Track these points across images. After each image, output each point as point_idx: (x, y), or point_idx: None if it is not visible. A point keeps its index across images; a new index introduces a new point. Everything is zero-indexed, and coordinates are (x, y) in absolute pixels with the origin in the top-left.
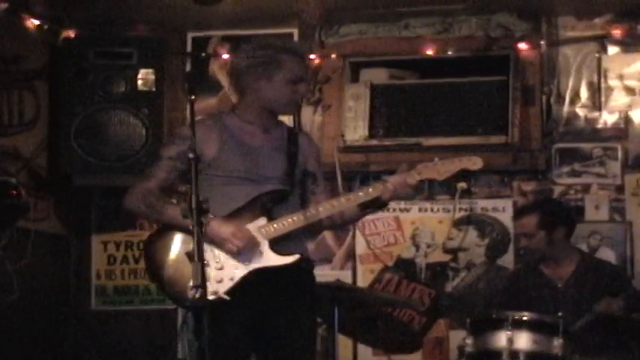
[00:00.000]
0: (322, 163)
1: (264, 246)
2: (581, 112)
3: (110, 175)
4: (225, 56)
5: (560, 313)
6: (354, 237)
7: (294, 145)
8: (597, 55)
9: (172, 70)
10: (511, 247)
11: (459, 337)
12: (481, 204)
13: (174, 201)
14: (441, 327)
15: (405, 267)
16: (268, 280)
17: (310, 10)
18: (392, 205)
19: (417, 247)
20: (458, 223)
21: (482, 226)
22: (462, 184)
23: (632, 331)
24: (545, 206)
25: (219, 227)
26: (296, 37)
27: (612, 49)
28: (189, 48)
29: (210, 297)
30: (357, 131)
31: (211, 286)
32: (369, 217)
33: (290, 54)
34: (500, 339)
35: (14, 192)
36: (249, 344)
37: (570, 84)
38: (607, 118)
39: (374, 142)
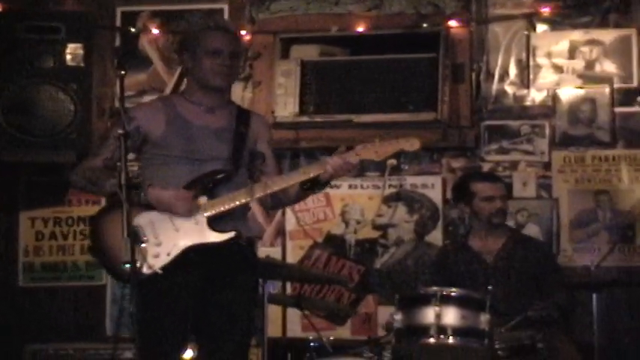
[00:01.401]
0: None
1: (203, 223)
2: (509, 89)
3: (38, 151)
4: (155, 31)
5: (489, 287)
6: (283, 214)
7: (244, 125)
8: (526, 33)
9: (101, 45)
10: (439, 224)
11: (387, 313)
12: (410, 180)
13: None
14: (370, 303)
15: (334, 243)
16: (207, 256)
17: None
18: None
19: (347, 223)
20: (387, 200)
21: (411, 202)
22: (392, 161)
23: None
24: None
25: (160, 193)
26: (226, 13)
27: (541, 27)
28: (118, 23)
29: (146, 271)
30: (287, 108)
31: (148, 261)
32: None
33: (210, 29)
34: (428, 314)
35: None
36: (187, 320)
37: (499, 62)
38: (535, 96)
39: (304, 118)
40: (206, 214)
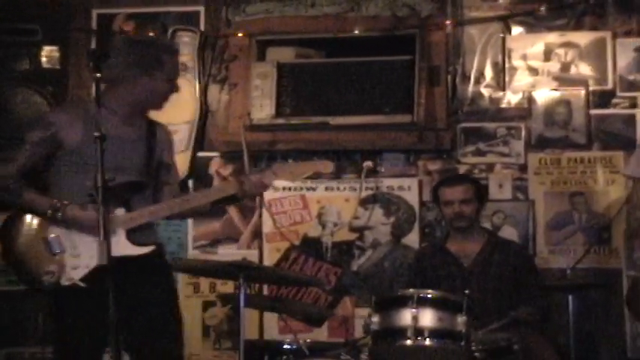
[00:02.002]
0: (229, 142)
1: (122, 235)
2: (485, 91)
3: None
4: (131, 34)
5: (467, 291)
6: (260, 216)
7: (153, 136)
8: (502, 35)
9: (77, 48)
10: (416, 226)
11: (364, 315)
12: (387, 183)
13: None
14: (347, 305)
15: (311, 246)
16: (125, 268)
17: None
18: (298, 183)
19: (324, 225)
20: (364, 202)
21: (388, 204)
22: (369, 163)
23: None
24: (477, 180)
25: (79, 213)
26: (202, 15)
27: (516, 30)
28: (94, 25)
29: (65, 283)
30: (263, 110)
31: (67, 273)
32: (275, 196)
33: (169, 54)
34: (405, 316)
35: None
36: (104, 332)
37: (475, 64)
38: (511, 98)
39: (281, 120)
40: (126, 228)
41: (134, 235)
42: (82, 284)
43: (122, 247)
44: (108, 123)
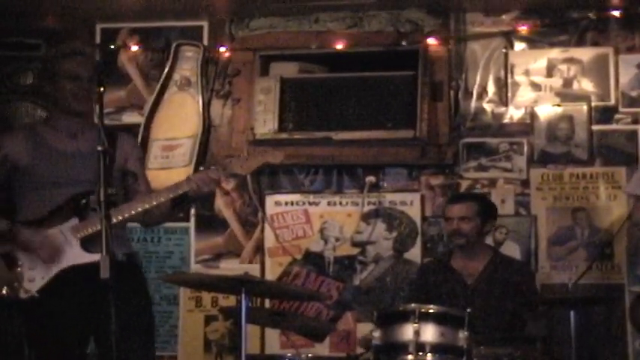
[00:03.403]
0: (232, 157)
1: (76, 245)
2: (488, 107)
3: None
4: (135, 48)
5: (468, 310)
6: (262, 230)
7: (111, 146)
8: (504, 50)
9: None
10: (418, 241)
11: (366, 330)
12: (389, 198)
13: None
14: (349, 320)
15: (313, 260)
16: (84, 277)
17: (220, 3)
18: (301, 198)
19: (326, 240)
20: (366, 217)
21: (390, 219)
22: (371, 178)
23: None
24: (483, 198)
25: (30, 236)
26: (206, 30)
27: (519, 46)
28: (98, 39)
29: (23, 296)
30: (266, 125)
31: (24, 286)
32: (278, 210)
33: (69, 56)
34: (407, 331)
35: None
36: (76, 341)
37: (478, 79)
38: (513, 114)
39: (283, 135)
40: (79, 237)
41: (92, 244)
42: (37, 295)
43: (76, 256)
44: (55, 140)
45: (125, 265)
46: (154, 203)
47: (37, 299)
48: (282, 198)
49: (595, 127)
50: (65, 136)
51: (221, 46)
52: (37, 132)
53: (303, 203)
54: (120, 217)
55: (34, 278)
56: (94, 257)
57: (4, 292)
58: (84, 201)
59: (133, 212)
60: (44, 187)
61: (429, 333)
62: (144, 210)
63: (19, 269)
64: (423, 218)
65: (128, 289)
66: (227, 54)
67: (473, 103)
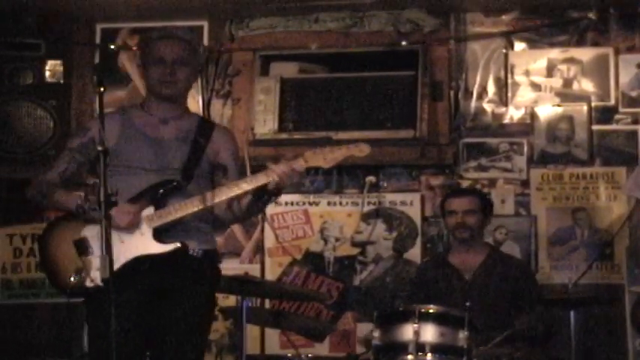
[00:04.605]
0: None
1: (148, 235)
2: (488, 107)
3: (17, 168)
4: (135, 48)
5: (467, 304)
6: (262, 230)
7: (204, 137)
8: (504, 51)
9: (81, 62)
10: (418, 241)
11: (366, 330)
12: (389, 198)
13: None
14: (349, 320)
15: (313, 260)
16: (154, 268)
17: (221, 3)
18: (301, 198)
19: (326, 240)
20: (366, 217)
21: (390, 219)
22: (371, 178)
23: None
24: (483, 194)
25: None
26: (206, 30)
27: (519, 46)
28: (98, 39)
29: (89, 285)
30: (266, 125)
31: (91, 275)
32: (278, 210)
33: (162, 39)
34: (407, 332)
35: None
36: (139, 334)
37: (478, 79)
38: (513, 114)
39: (283, 135)
40: (152, 226)
41: (168, 235)
42: (101, 284)
43: (146, 246)
44: (146, 125)
45: (199, 261)
46: (231, 194)
47: (102, 289)
48: (282, 198)
49: (595, 127)
50: (156, 121)
51: (221, 46)
52: (128, 115)
53: (303, 203)
54: (195, 208)
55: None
56: (166, 248)
57: (72, 279)
58: (162, 190)
59: (207, 204)
60: (127, 173)
61: (429, 333)
62: (228, 198)
63: (89, 257)
64: (423, 218)
65: (195, 287)
66: (227, 54)
67: (473, 103)
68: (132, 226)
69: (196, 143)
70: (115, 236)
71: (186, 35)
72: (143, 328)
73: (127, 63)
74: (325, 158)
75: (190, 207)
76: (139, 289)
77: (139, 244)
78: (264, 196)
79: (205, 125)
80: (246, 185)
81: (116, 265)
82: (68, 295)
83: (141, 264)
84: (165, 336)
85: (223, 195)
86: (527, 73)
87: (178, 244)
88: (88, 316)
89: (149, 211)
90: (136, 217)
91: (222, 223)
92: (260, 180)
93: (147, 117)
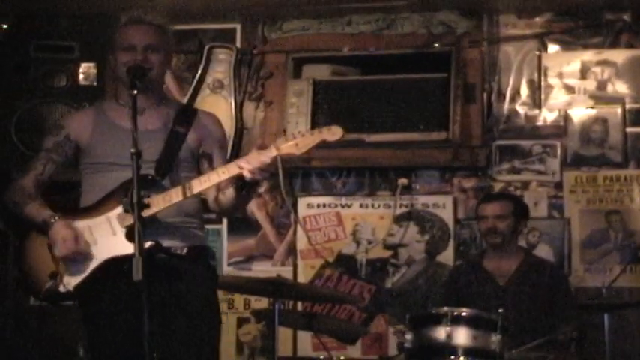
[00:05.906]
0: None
1: (120, 234)
2: (521, 109)
3: None
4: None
5: (500, 310)
6: (295, 233)
7: (184, 125)
8: (537, 53)
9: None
10: (451, 244)
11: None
12: (422, 200)
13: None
14: (381, 322)
15: (345, 263)
16: (129, 268)
17: (253, 6)
18: (333, 200)
19: (358, 242)
20: (398, 219)
21: (422, 222)
22: (403, 180)
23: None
24: (517, 198)
25: (60, 229)
26: (239, 32)
27: (552, 48)
28: None
29: (62, 290)
30: (299, 127)
31: (64, 280)
32: (310, 213)
33: (132, 24)
34: (439, 334)
35: None
36: (132, 336)
37: (511, 82)
38: (547, 116)
39: None
40: (125, 225)
41: (148, 233)
42: (71, 289)
43: (119, 247)
44: (119, 117)
45: (182, 258)
46: (208, 184)
47: (83, 294)
48: (315, 200)
49: (629, 130)
50: (130, 113)
51: (254, 48)
52: (102, 109)
53: (336, 206)
54: (171, 202)
55: (77, 272)
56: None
57: (47, 285)
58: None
59: (184, 195)
60: (105, 169)
61: (462, 336)
62: (201, 191)
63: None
64: (456, 221)
65: (180, 287)
66: (260, 56)
67: (506, 106)
68: (76, 253)
69: (174, 133)
70: (90, 237)
71: (156, 19)
72: (137, 330)
73: None
74: (297, 145)
75: (162, 202)
76: (120, 291)
77: (112, 245)
78: (243, 187)
79: (185, 112)
80: (217, 177)
81: (89, 269)
82: (41, 299)
83: (119, 264)
84: (163, 341)
85: (195, 188)
86: (560, 75)
87: (150, 243)
88: (85, 321)
89: (120, 209)
90: (76, 241)
91: (223, 212)
92: (232, 170)
93: (120, 108)
